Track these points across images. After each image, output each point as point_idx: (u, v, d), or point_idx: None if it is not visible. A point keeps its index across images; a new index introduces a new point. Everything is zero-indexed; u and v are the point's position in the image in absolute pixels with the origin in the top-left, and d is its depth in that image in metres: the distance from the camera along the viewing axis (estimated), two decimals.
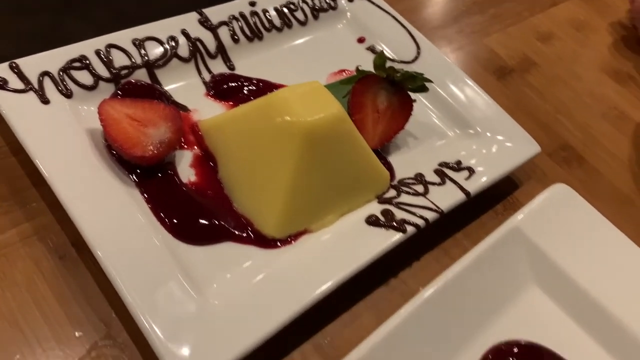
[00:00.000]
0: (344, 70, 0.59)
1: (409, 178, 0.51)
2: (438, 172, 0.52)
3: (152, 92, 0.51)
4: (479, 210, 0.55)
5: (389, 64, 0.54)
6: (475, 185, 0.51)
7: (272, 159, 0.45)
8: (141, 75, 0.52)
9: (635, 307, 0.47)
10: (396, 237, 0.46)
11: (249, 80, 0.55)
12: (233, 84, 0.54)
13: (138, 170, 0.46)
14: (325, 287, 0.42)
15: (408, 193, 0.50)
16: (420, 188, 0.50)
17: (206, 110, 0.52)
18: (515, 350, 0.45)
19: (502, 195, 0.57)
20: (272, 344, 0.41)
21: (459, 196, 0.50)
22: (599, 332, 0.47)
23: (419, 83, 0.53)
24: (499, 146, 0.56)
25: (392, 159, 0.54)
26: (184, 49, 0.54)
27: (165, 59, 0.53)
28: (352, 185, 0.48)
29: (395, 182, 0.51)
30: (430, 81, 0.53)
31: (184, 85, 0.53)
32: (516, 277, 0.49)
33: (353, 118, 0.51)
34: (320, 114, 0.44)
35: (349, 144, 0.47)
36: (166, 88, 0.52)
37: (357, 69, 0.53)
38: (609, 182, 0.62)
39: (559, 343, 0.46)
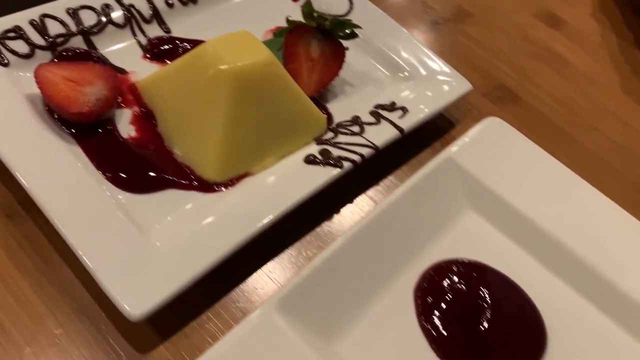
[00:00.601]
0: (279, 28, 0.61)
1: (346, 121, 0.54)
2: (373, 114, 0.54)
3: (89, 58, 0.52)
4: (418, 148, 0.57)
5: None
6: (408, 122, 0.54)
7: (207, 106, 0.47)
8: (78, 42, 0.53)
9: (566, 221, 0.50)
10: (334, 172, 0.48)
11: (185, 41, 0.57)
12: (170, 46, 0.56)
13: (79, 129, 0.47)
14: (265, 220, 0.44)
15: (345, 134, 0.52)
16: (356, 128, 0.53)
17: (144, 71, 0.53)
18: (454, 267, 0.47)
19: (440, 133, 0.60)
20: (220, 277, 0.43)
21: (393, 133, 0.53)
22: (535, 248, 0.50)
23: (349, 30, 0.55)
24: (431, 87, 0.58)
25: (330, 105, 0.56)
26: (118, 16, 0.55)
27: (100, 26, 0.54)
28: (289, 128, 0.50)
29: (333, 126, 0.53)
30: (359, 27, 0.55)
31: (121, 49, 0.55)
32: (452, 204, 0.51)
33: (287, 68, 0.53)
34: (249, 59, 0.46)
35: (281, 87, 0.49)
36: (103, 52, 0.54)
37: (287, 20, 0.55)
38: (543, 116, 0.65)
39: (497, 260, 0.49)
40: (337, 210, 0.51)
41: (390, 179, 0.55)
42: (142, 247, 0.41)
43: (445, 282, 0.46)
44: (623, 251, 0.49)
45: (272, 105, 0.48)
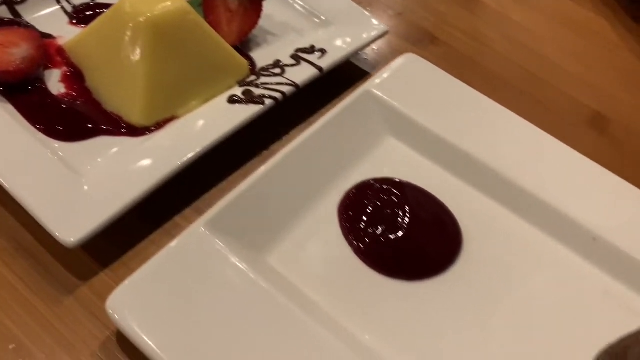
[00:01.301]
0: None
1: (268, 65, 0.57)
2: (294, 57, 0.58)
3: (15, 25, 0.54)
4: (341, 89, 0.61)
5: None
6: (327, 62, 0.57)
7: (129, 57, 0.50)
8: (2, 12, 0.55)
9: (478, 138, 0.54)
10: (256, 109, 0.51)
11: (109, 6, 0.59)
12: (94, 11, 0.59)
13: (9, 89, 0.50)
14: (191, 154, 0.47)
15: (267, 75, 0.55)
16: (277, 70, 0.56)
17: (71, 36, 0.55)
18: (375, 184, 0.51)
19: (362, 75, 0.63)
20: (156, 212, 0.47)
21: (313, 71, 0.56)
22: (450, 164, 0.53)
23: None
24: (349, 31, 0.61)
25: (253, 53, 0.59)
26: None
27: None
28: (211, 73, 0.53)
29: (256, 71, 0.57)
30: None
31: (47, 16, 0.57)
32: (372, 131, 0.55)
33: (208, 20, 0.56)
34: (164, 9, 0.49)
35: (198, 34, 0.52)
36: (29, 20, 0.56)
37: None
38: (458, 52, 0.69)
39: (414, 177, 0.52)
40: (266, 148, 0.55)
41: (315, 118, 0.58)
42: (74, 183, 0.44)
43: (367, 198, 0.50)
44: (531, 159, 0.53)
45: (192, 51, 0.51)
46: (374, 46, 0.67)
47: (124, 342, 0.40)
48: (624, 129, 0.63)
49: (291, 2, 0.64)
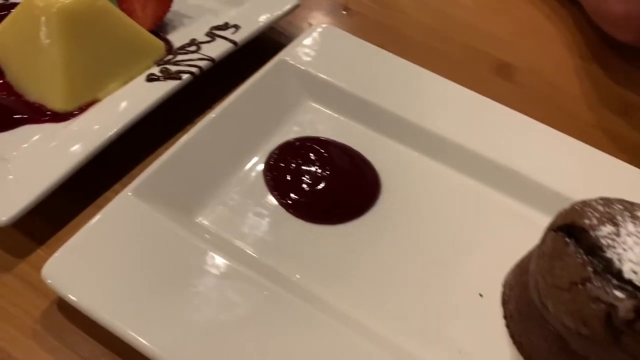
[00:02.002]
0: None
1: (184, 44, 0.60)
2: (209, 34, 0.60)
3: None
4: (260, 62, 0.64)
5: None
6: (241, 36, 0.60)
7: (44, 47, 0.52)
8: None
9: (392, 93, 0.57)
10: (174, 84, 0.54)
11: None
12: (10, 11, 0.60)
13: None
14: (112, 132, 0.49)
15: (183, 53, 0.58)
16: (193, 48, 0.59)
17: None
18: (297, 142, 0.54)
19: (279, 48, 0.65)
20: (87, 189, 0.50)
21: (228, 46, 0.59)
22: (368, 120, 0.57)
23: None
24: (260, 6, 0.64)
25: (169, 35, 0.62)
26: None
27: None
28: (127, 55, 0.55)
29: (172, 51, 0.59)
30: None
31: None
32: (291, 97, 0.58)
33: (122, 7, 0.58)
34: None
35: (110, 19, 0.54)
36: None
37: None
38: (372, 20, 0.73)
39: (335, 135, 0.56)
40: (191, 121, 0.57)
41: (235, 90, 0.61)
42: (0, 169, 0.46)
43: (289, 155, 0.53)
44: (441, 107, 0.57)
45: (105, 36, 0.54)
46: (290, 20, 0.71)
47: (63, 307, 0.42)
48: (526, 73, 0.68)
49: None
